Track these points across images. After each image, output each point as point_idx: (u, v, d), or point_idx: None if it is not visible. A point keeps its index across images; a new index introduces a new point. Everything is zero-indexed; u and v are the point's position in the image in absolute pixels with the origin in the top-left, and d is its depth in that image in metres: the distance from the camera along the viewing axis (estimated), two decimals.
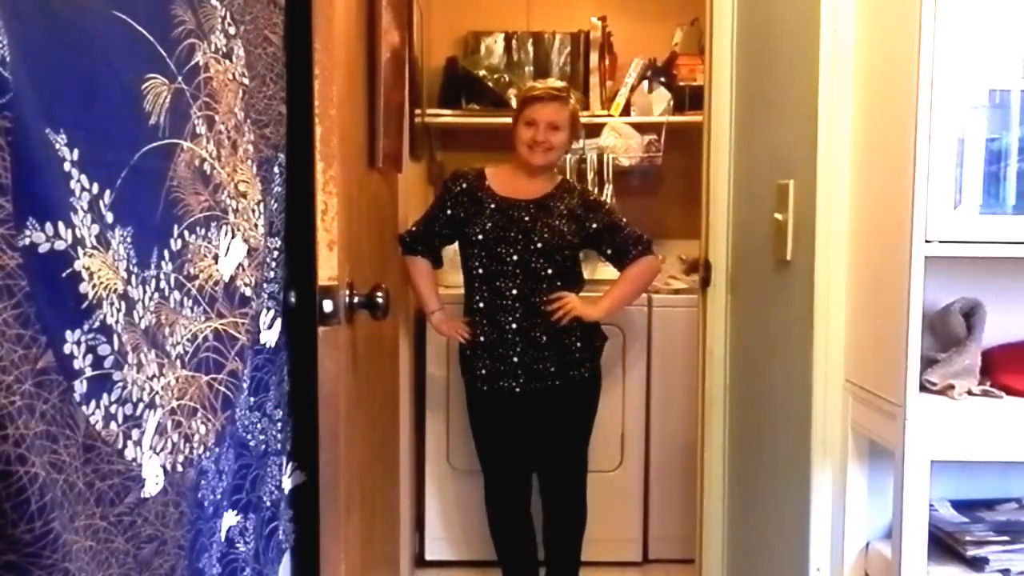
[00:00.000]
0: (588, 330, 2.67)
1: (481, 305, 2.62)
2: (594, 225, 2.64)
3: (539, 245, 2.57)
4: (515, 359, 2.61)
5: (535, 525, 2.87)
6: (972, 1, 1.48)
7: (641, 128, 3.47)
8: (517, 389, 2.64)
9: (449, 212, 2.66)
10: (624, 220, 2.70)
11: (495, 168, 2.72)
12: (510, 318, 2.59)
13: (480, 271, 2.61)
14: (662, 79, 3.51)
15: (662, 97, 3.47)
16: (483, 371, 2.65)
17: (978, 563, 1.59)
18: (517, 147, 2.62)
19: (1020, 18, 1.50)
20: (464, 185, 2.67)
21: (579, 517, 2.82)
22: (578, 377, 2.67)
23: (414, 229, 2.70)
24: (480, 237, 2.59)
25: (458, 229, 2.66)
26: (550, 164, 2.66)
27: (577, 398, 2.72)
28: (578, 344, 2.65)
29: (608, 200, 2.89)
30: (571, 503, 2.80)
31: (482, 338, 2.63)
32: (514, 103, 3.40)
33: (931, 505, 1.63)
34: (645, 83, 3.52)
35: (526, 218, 2.60)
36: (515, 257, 2.58)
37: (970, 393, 1.59)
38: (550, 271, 2.59)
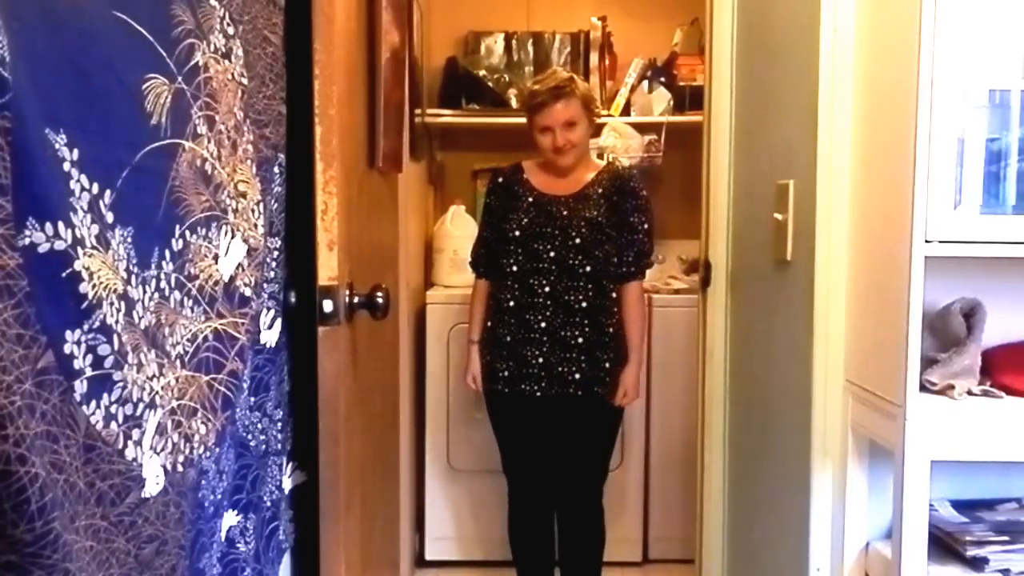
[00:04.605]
0: (621, 352, 2.57)
1: (511, 304, 2.55)
2: (630, 218, 2.54)
3: (576, 241, 2.49)
4: (540, 359, 2.52)
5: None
6: (972, 1, 1.48)
7: (641, 128, 3.47)
8: (538, 393, 2.55)
9: (490, 204, 2.64)
10: (645, 224, 2.57)
11: (533, 162, 2.65)
12: (539, 316, 2.51)
13: (514, 268, 2.54)
14: (662, 79, 3.51)
15: (662, 97, 3.47)
16: (505, 373, 2.57)
17: (978, 563, 1.59)
18: (541, 153, 2.56)
19: (1020, 18, 1.50)
20: (501, 179, 2.63)
21: (595, 538, 2.70)
22: (601, 394, 2.56)
23: (475, 254, 2.68)
24: (517, 233, 2.52)
25: (498, 225, 2.60)
26: (580, 158, 2.58)
27: (597, 417, 2.60)
28: (607, 365, 2.55)
29: (641, 190, 2.62)
30: (585, 524, 2.68)
31: (508, 338, 2.55)
32: (514, 103, 3.41)
33: (931, 505, 1.63)
34: (645, 83, 3.52)
35: (564, 212, 2.52)
36: (551, 253, 2.50)
37: (970, 393, 1.59)
38: (588, 268, 2.50)
